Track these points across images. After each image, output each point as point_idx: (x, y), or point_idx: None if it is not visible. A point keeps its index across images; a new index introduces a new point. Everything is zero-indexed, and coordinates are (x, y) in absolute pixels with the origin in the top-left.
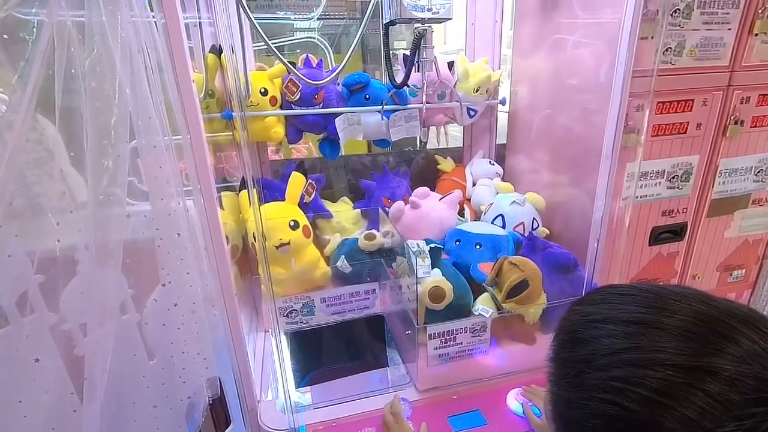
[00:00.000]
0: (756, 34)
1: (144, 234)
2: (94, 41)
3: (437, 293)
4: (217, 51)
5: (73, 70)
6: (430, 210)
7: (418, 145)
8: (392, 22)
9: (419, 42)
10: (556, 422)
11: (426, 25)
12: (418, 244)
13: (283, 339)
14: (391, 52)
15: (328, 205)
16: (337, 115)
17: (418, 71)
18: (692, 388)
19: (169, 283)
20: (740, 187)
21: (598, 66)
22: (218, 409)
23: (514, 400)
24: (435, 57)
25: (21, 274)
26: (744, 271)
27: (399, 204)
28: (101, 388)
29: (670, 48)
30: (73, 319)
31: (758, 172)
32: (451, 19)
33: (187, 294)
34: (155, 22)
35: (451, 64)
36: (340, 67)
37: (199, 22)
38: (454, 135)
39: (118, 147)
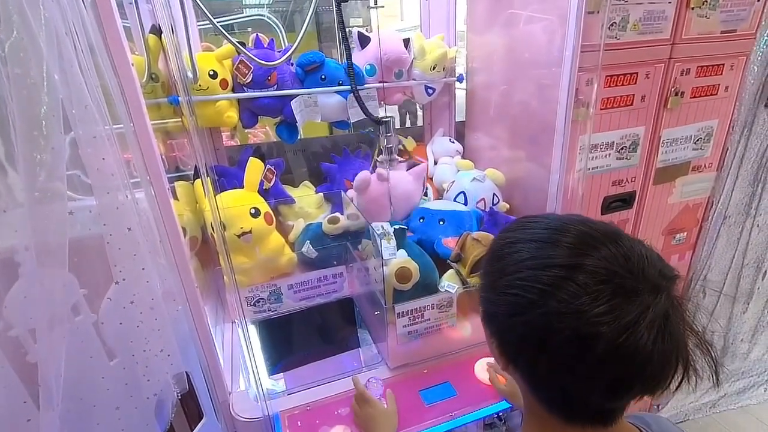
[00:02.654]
0: (692, 8)
1: (92, 230)
2: (13, 21)
3: (404, 274)
4: (158, 31)
5: None
6: (396, 183)
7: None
8: None
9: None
10: (483, 320)
11: (388, 117)
12: (382, 226)
13: (252, 328)
14: (346, 29)
15: (290, 190)
16: (293, 97)
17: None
18: (568, 279)
19: (123, 280)
20: (681, 156)
21: (550, 41)
22: (189, 404)
23: (481, 370)
24: (399, 141)
25: None
26: (685, 234)
27: (365, 174)
28: (58, 394)
29: (615, 23)
30: (20, 325)
31: (697, 140)
32: None
33: (143, 290)
34: None
35: (407, 42)
36: (294, 47)
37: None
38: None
39: (52, 139)
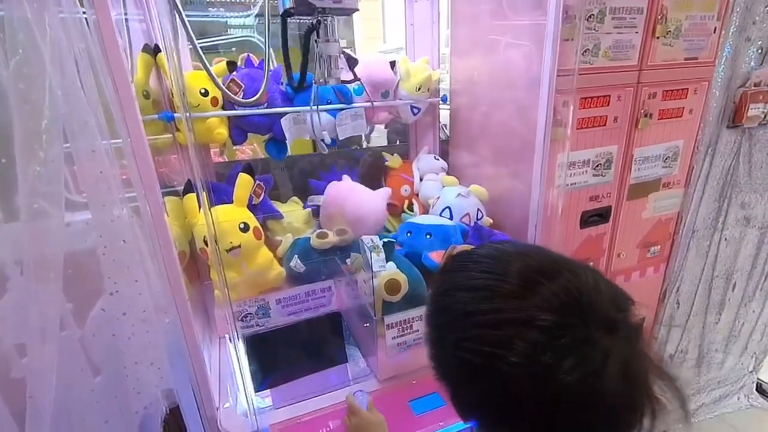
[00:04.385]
0: (658, 37)
1: (82, 243)
2: (19, 40)
3: (393, 286)
4: (151, 50)
5: None
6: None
7: (364, 143)
8: (288, 13)
9: (308, 36)
10: (437, 377)
11: (325, 15)
12: (372, 239)
13: (239, 343)
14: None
15: (278, 206)
16: (282, 115)
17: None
18: (519, 339)
19: (116, 292)
20: (652, 173)
21: (528, 65)
22: (170, 421)
23: None
24: (342, 52)
25: None
26: (659, 247)
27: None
28: (49, 409)
29: (588, 49)
30: (9, 340)
31: (666, 159)
32: (357, 10)
33: (136, 303)
34: (86, 18)
35: (393, 64)
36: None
37: (125, 19)
38: None
39: (51, 152)
